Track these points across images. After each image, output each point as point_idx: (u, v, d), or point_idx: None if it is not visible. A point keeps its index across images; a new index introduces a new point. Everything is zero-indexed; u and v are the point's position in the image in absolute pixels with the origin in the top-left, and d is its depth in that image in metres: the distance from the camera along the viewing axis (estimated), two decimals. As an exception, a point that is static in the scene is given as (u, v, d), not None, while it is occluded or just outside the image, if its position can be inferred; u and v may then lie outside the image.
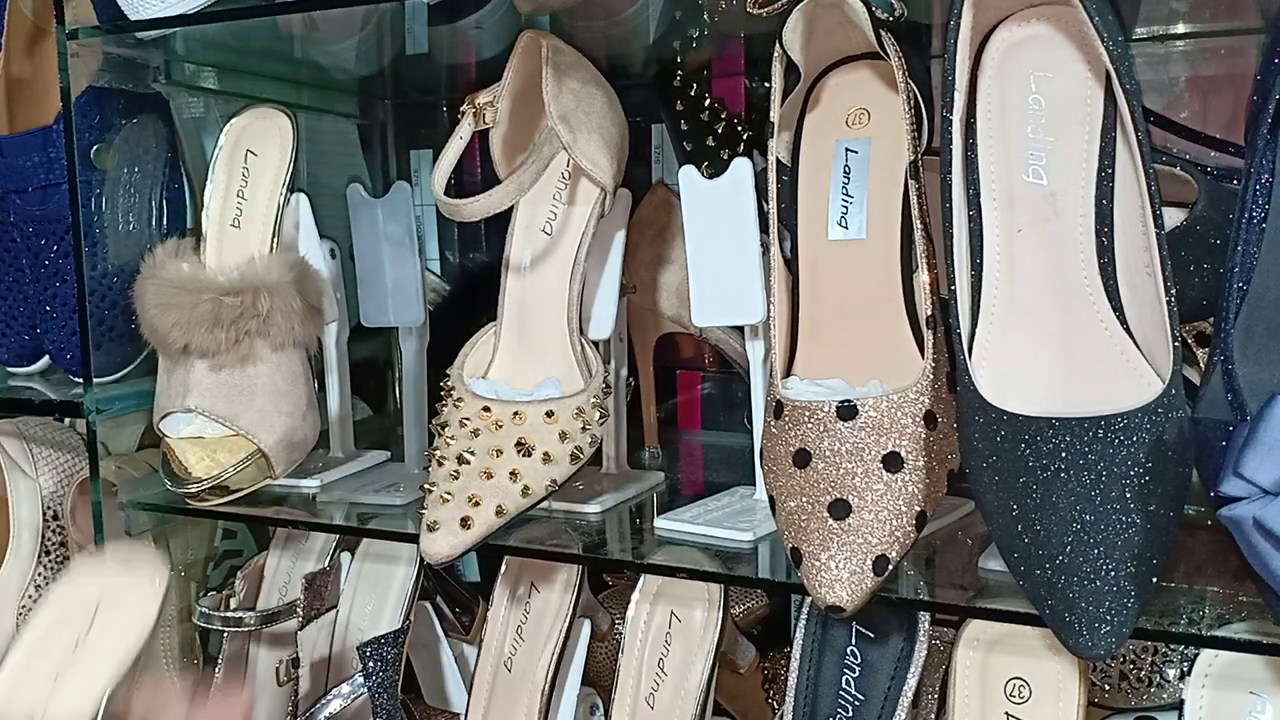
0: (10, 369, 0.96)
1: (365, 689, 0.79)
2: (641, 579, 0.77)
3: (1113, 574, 0.49)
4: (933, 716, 0.73)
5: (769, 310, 0.66)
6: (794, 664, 0.69)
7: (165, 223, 0.92)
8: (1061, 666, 0.63)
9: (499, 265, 0.79)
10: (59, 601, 0.53)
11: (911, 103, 0.63)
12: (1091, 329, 0.58)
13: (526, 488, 0.68)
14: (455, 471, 0.68)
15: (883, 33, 0.62)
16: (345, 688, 0.80)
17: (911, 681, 0.66)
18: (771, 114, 0.66)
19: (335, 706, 0.80)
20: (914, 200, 0.62)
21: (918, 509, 0.57)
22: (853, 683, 0.68)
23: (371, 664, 0.79)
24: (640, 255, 0.87)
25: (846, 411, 0.58)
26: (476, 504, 0.67)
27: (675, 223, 0.84)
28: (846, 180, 0.67)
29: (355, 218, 0.89)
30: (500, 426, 0.69)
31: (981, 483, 0.54)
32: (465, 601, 0.99)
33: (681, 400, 1.03)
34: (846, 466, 0.57)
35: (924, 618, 0.67)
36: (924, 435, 0.58)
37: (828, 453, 0.58)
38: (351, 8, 0.76)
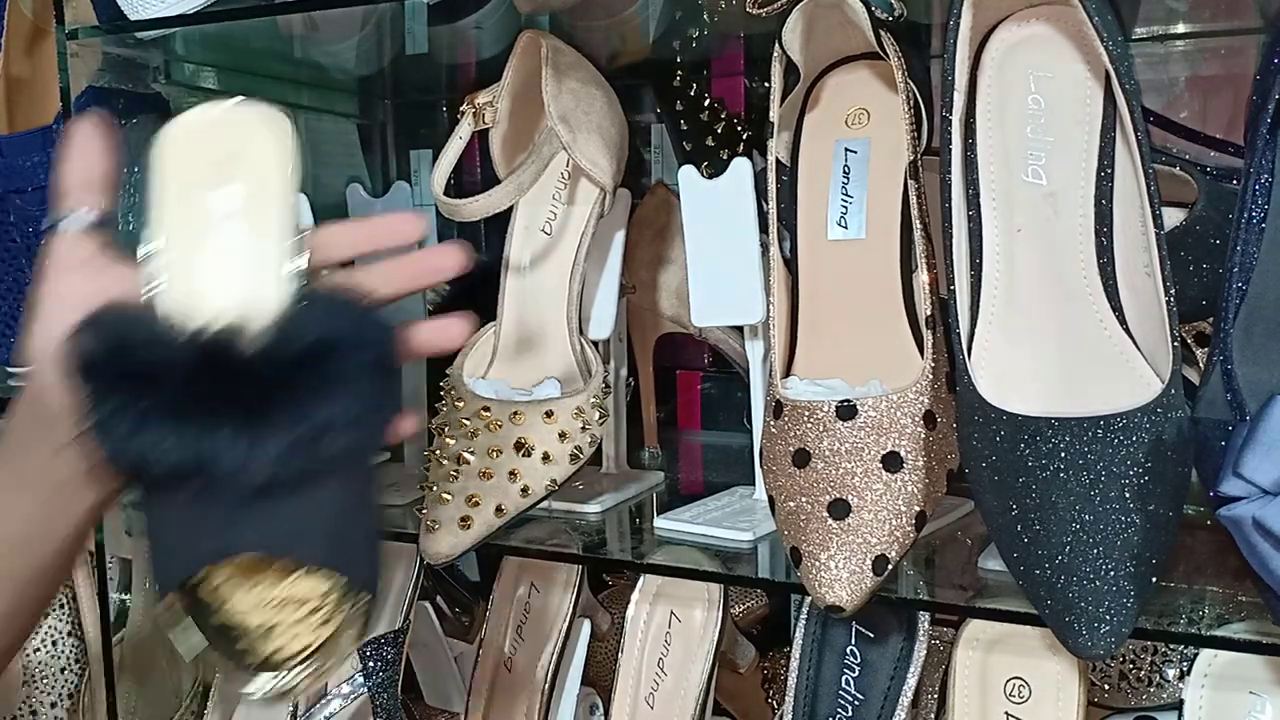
0: (10, 369, 0.96)
1: (365, 689, 0.80)
2: (641, 579, 0.77)
3: (1112, 574, 0.49)
4: (932, 716, 0.73)
5: (768, 310, 0.66)
6: (794, 664, 0.69)
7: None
8: (1061, 666, 0.63)
9: (499, 265, 0.79)
10: (172, 178, 0.46)
11: (911, 103, 0.63)
12: (1091, 329, 0.58)
13: (526, 488, 0.68)
14: (455, 471, 0.68)
15: (882, 33, 0.62)
16: (345, 688, 0.80)
17: (911, 681, 0.66)
18: (771, 114, 0.66)
19: (335, 706, 0.80)
20: (913, 200, 0.62)
21: (917, 509, 0.57)
22: (852, 682, 0.68)
23: (371, 664, 0.79)
24: (640, 255, 0.87)
25: (846, 411, 0.58)
26: (476, 504, 0.67)
27: (675, 223, 0.84)
28: (846, 180, 0.67)
29: (355, 218, 0.89)
30: (500, 426, 0.69)
31: (981, 483, 0.54)
32: (465, 601, 0.99)
33: (681, 400, 1.03)
34: (846, 466, 0.57)
35: (924, 617, 0.67)
36: (923, 435, 0.58)
37: (827, 452, 0.58)
38: (351, 8, 0.76)
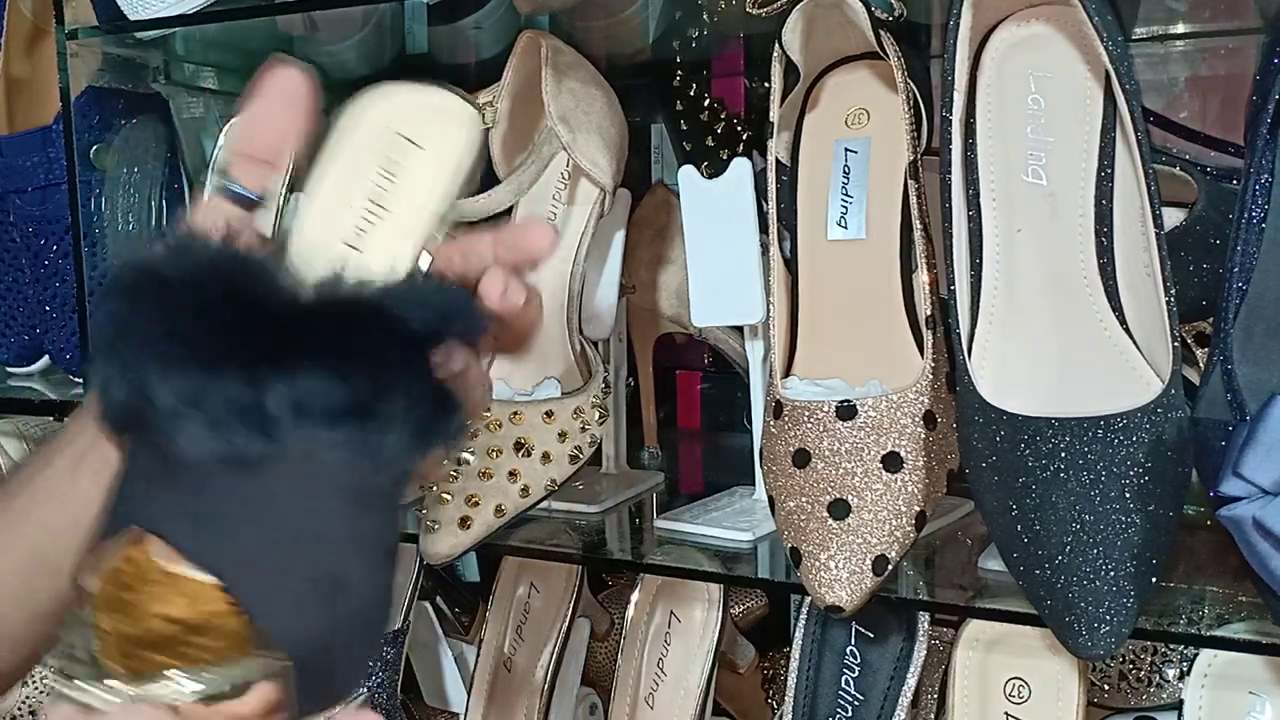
0: (10, 369, 0.96)
1: (365, 689, 0.79)
2: (641, 579, 0.77)
3: (1112, 574, 0.49)
4: (932, 716, 0.73)
5: (768, 310, 0.66)
6: (793, 664, 0.69)
7: (164, 223, 0.92)
8: (1061, 666, 0.63)
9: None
10: (354, 133, 0.44)
11: (911, 103, 0.63)
12: (1091, 329, 0.58)
13: (526, 488, 0.68)
14: (454, 472, 0.68)
15: (882, 33, 0.62)
16: (345, 688, 0.80)
17: (911, 681, 0.66)
18: (771, 114, 0.66)
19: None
20: (913, 200, 0.62)
21: (917, 509, 0.57)
22: (852, 683, 0.68)
23: (371, 664, 0.79)
24: (640, 255, 0.87)
25: (846, 411, 0.58)
26: (476, 504, 0.67)
27: (675, 223, 0.84)
28: (846, 180, 0.67)
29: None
30: (499, 426, 0.69)
31: (981, 483, 0.54)
32: (465, 601, 0.99)
33: (681, 400, 1.03)
34: (846, 466, 0.57)
35: (923, 618, 0.67)
36: (923, 435, 0.58)
37: (827, 453, 0.58)
38: (351, 8, 0.76)
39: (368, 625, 0.38)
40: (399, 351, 0.36)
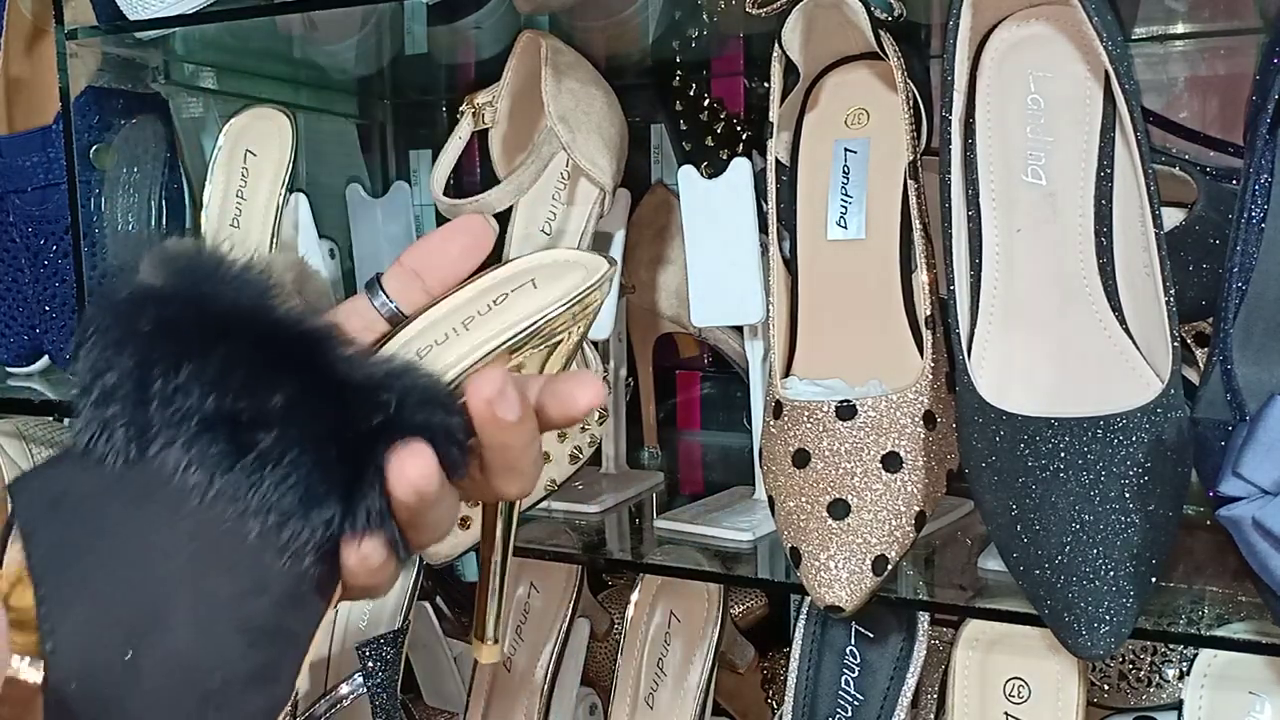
0: (10, 369, 0.96)
1: (365, 689, 0.79)
2: (641, 579, 0.77)
3: (1112, 574, 0.49)
4: (932, 716, 0.73)
5: (768, 310, 0.66)
6: (793, 664, 0.69)
7: (164, 223, 0.92)
8: (1060, 666, 0.63)
9: (498, 265, 0.79)
10: (497, 273, 0.46)
11: (910, 103, 0.63)
12: (1090, 329, 0.58)
13: (526, 488, 0.68)
14: (454, 471, 0.68)
15: (882, 33, 0.62)
16: (345, 688, 0.80)
17: (911, 681, 0.66)
18: (771, 114, 0.66)
19: (335, 707, 0.80)
20: (913, 200, 0.62)
21: (917, 509, 0.57)
22: (852, 683, 0.68)
23: (371, 664, 0.79)
24: (640, 255, 0.87)
25: (845, 411, 0.58)
26: (476, 504, 0.67)
27: (675, 223, 0.84)
28: (845, 180, 0.67)
29: (355, 218, 0.89)
30: (499, 426, 0.69)
31: (981, 483, 0.54)
32: (465, 601, 0.99)
33: (681, 400, 1.03)
34: (845, 466, 0.57)
35: (923, 618, 0.67)
36: (923, 435, 0.58)
37: (827, 453, 0.58)
38: (351, 8, 0.76)
39: (185, 684, 0.33)
40: (319, 392, 0.34)
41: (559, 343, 0.44)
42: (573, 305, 0.43)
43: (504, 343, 0.42)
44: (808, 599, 0.67)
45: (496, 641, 0.47)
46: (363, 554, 0.35)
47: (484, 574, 0.48)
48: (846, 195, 0.67)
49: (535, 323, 0.43)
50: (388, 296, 0.44)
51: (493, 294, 0.45)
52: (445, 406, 0.36)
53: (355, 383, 0.35)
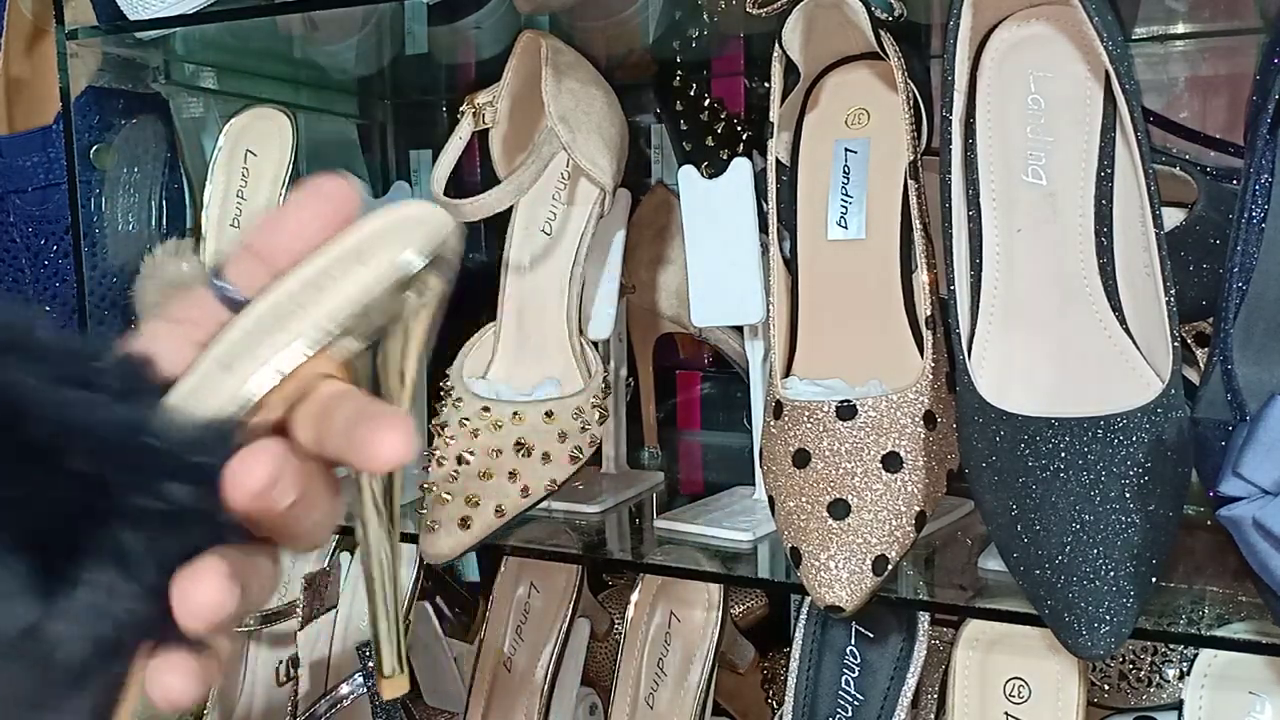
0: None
1: (365, 689, 0.79)
2: (641, 579, 0.77)
3: (1112, 574, 0.49)
4: (932, 717, 0.73)
5: (768, 310, 0.66)
6: (793, 664, 0.69)
7: (165, 223, 0.92)
8: (1061, 666, 0.63)
9: (498, 265, 0.79)
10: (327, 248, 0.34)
11: (911, 103, 0.63)
12: (1091, 329, 0.58)
13: (526, 488, 0.68)
14: (454, 472, 0.68)
15: (882, 33, 0.62)
16: (345, 688, 0.80)
17: (911, 682, 0.66)
18: (771, 114, 0.66)
19: (336, 707, 0.80)
20: (913, 200, 0.62)
21: (917, 509, 0.57)
22: (852, 683, 0.68)
23: (371, 664, 0.79)
24: (640, 255, 0.87)
25: (846, 411, 0.58)
26: (476, 504, 0.67)
27: (675, 223, 0.84)
28: (846, 180, 0.67)
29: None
30: (499, 427, 0.69)
31: (981, 483, 0.54)
32: (465, 601, 0.99)
33: (681, 400, 1.03)
34: (846, 466, 0.57)
35: (923, 618, 0.67)
36: (923, 435, 0.58)
37: (827, 453, 0.58)
38: (351, 8, 0.76)
39: None
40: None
41: (389, 340, 0.35)
42: (393, 288, 0.34)
43: (306, 351, 0.33)
44: (808, 599, 0.67)
45: (404, 672, 0.40)
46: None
47: (369, 600, 0.39)
48: (847, 195, 0.67)
49: (349, 316, 0.33)
50: (226, 282, 0.36)
51: (319, 278, 0.34)
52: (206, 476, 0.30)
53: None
